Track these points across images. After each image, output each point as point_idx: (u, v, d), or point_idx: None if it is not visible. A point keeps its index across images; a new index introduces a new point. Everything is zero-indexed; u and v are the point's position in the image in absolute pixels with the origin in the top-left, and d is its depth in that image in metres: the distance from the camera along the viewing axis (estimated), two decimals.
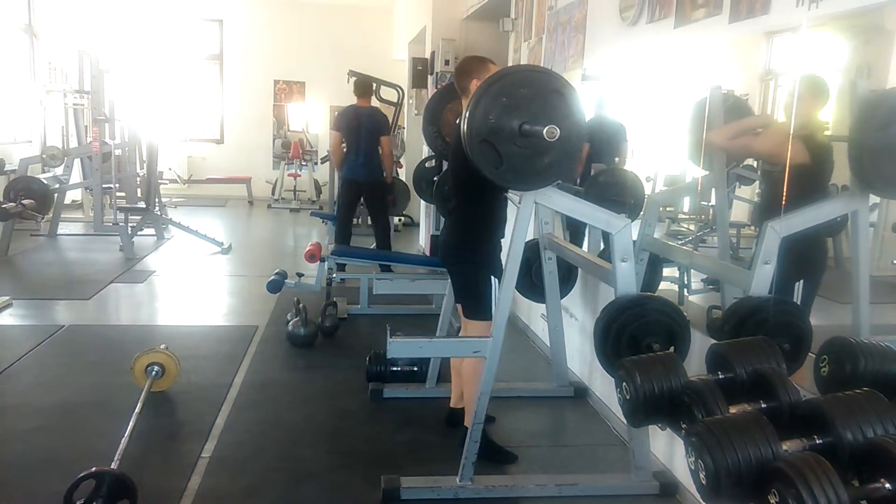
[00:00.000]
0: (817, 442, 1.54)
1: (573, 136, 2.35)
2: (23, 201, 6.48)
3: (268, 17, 12.16)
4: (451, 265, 3.10)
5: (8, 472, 2.84)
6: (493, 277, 2.85)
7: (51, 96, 9.40)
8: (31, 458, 2.95)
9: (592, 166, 4.02)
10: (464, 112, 2.37)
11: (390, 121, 6.90)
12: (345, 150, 6.16)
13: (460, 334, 3.15)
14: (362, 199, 6.41)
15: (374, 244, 6.38)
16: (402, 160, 9.66)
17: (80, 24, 10.50)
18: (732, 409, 1.74)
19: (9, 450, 3.02)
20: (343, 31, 12.10)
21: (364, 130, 6.11)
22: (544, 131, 2.21)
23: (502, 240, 3.06)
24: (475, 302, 2.96)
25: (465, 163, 2.48)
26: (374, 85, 7.11)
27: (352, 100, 6.34)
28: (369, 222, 7.03)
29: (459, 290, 3.09)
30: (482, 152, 2.33)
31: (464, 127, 2.34)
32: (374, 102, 6.99)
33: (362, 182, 6.19)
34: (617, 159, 4.15)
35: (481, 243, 2.96)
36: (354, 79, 6.61)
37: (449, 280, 3.25)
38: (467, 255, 2.98)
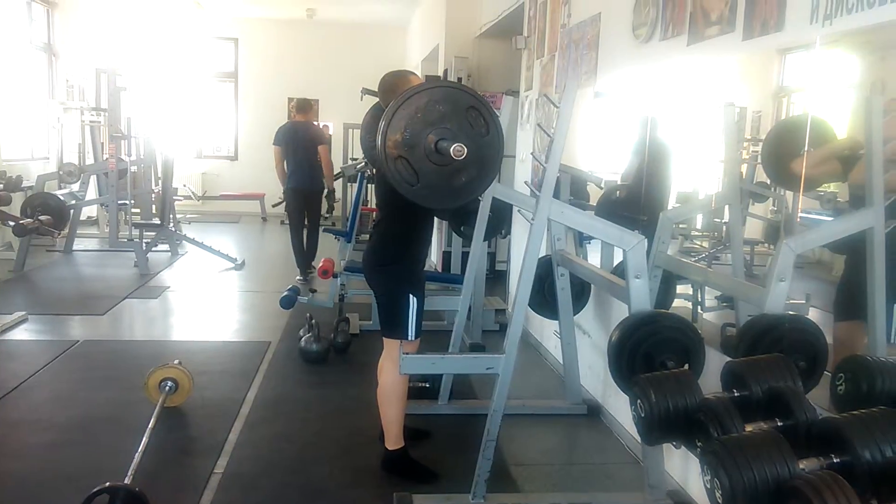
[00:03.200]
0: (835, 461, 1.52)
1: (489, 153, 2.32)
2: (39, 217, 6.53)
3: (282, 36, 12.29)
4: (371, 278, 3.08)
5: (22, 487, 2.85)
6: (413, 297, 2.86)
7: (68, 114, 9.52)
8: (46, 472, 2.96)
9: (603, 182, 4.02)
10: (380, 126, 2.32)
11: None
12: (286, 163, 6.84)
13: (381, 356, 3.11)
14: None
15: (304, 248, 7.04)
16: None
17: (98, 43, 10.65)
18: (748, 428, 1.73)
19: (23, 465, 3.04)
20: (356, 48, 12.21)
21: (301, 143, 6.81)
22: (451, 149, 2.16)
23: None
24: (392, 321, 2.93)
25: (391, 190, 2.46)
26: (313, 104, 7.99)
27: (363, 116, 6.44)
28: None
29: (379, 307, 3.07)
30: (397, 169, 2.29)
31: (379, 141, 2.29)
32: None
33: (304, 189, 6.90)
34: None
35: (402, 259, 2.94)
36: (295, 101, 7.37)
37: (461, 295, 3.25)
38: (388, 267, 2.97)
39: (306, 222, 7.12)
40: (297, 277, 6.97)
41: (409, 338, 2.90)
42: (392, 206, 2.91)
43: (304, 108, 7.17)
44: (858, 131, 2.40)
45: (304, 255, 7.08)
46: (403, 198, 2.37)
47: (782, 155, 2.81)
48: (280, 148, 6.86)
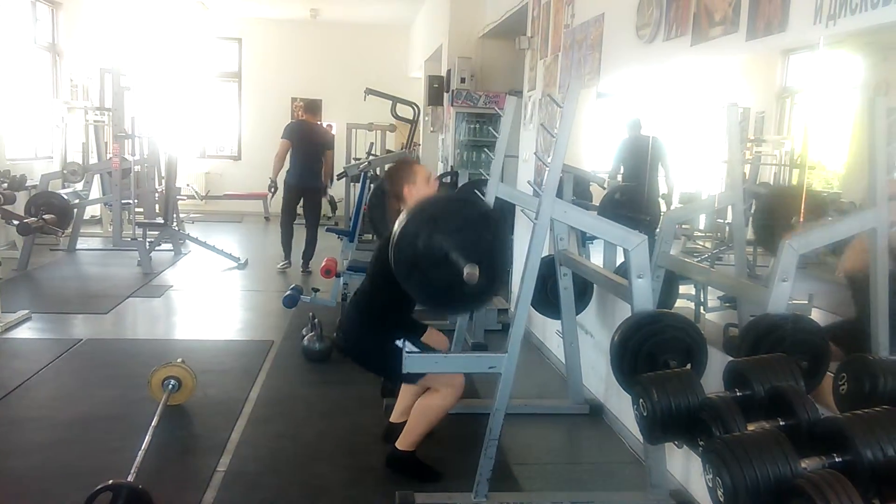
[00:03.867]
0: (836, 460, 1.52)
1: (498, 260, 2.45)
2: (43, 216, 6.56)
3: (285, 36, 12.31)
4: (356, 355, 3.14)
5: (26, 485, 2.86)
6: (402, 341, 2.85)
7: (72, 113, 9.55)
8: (49, 470, 2.97)
9: (609, 183, 4.02)
10: (393, 230, 2.43)
11: (407, 138, 7.56)
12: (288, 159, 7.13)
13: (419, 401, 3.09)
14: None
15: (305, 245, 7.36)
16: None
17: (103, 43, 10.68)
18: (750, 427, 1.73)
19: (27, 462, 3.05)
20: (360, 49, 12.22)
21: (312, 144, 7.15)
22: (464, 273, 2.27)
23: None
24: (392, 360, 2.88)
25: (387, 265, 2.50)
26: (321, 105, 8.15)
27: (367, 116, 6.62)
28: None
29: (385, 375, 3.11)
30: (410, 276, 2.42)
31: (392, 248, 2.41)
32: (390, 120, 7.64)
33: (304, 187, 7.20)
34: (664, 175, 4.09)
35: (386, 322, 2.98)
36: (303, 102, 7.94)
37: None
38: (371, 337, 3.01)
39: (304, 220, 7.42)
40: (281, 264, 7.45)
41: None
42: (384, 280, 2.79)
43: (313, 109, 7.45)
44: (862, 132, 2.40)
45: (292, 245, 7.47)
46: (397, 285, 2.48)
47: (775, 228, 2.83)
48: (287, 142, 7.11)
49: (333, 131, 11.87)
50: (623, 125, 4.21)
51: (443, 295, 2.48)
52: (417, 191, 3.04)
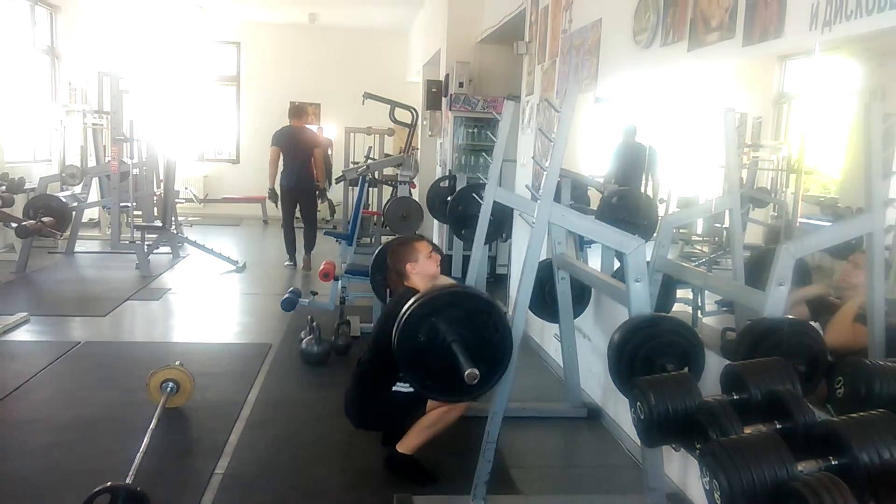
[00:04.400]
0: (833, 463, 1.53)
1: (498, 353, 2.48)
2: (42, 219, 6.56)
3: (284, 40, 12.33)
4: (366, 425, 3.22)
5: (24, 487, 2.86)
6: (393, 388, 2.97)
7: (71, 116, 9.55)
8: (47, 473, 2.98)
9: (607, 187, 4.05)
10: (398, 319, 2.47)
11: (406, 142, 8.20)
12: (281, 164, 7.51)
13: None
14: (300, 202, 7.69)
15: (305, 240, 7.75)
16: (415, 181, 9.72)
17: (101, 46, 10.69)
18: (747, 430, 1.74)
19: (25, 465, 3.05)
20: (358, 53, 12.24)
21: (299, 146, 7.49)
22: (465, 374, 2.30)
23: None
24: (411, 414, 3.03)
25: (388, 342, 2.53)
26: (307, 108, 8.78)
27: (365, 120, 6.68)
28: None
29: (394, 427, 3.15)
30: (411, 366, 2.46)
31: (395, 338, 2.45)
32: (388, 124, 7.83)
33: (297, 188, 7.54)
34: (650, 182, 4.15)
35: (391, 403, 3.05)
36: (294, 105, 8.02)
37: None
38: (375, 404, 3.08)
39: (299, 216, 7.77)
40: (286, 263, 7.85)
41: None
42: (384, 357, 2.80)
43: (297, 113, 7.82)
44: (858, 137, 2.42)
45: (296, 245, 7.80)
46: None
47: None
48: (277, 149, 7.55)
49: (332, 134, 11.96)
50: (618, 130, 4.25)
51: (443, 387, 2.51)
52: (420, 267, 3.13)
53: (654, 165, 4.11)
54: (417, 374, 2.48)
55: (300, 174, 7.54)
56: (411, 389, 2.86)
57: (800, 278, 2.43)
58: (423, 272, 3.12)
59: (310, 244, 7.83)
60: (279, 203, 7.75)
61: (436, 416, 2.99)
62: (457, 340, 2.38)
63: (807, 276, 2.61)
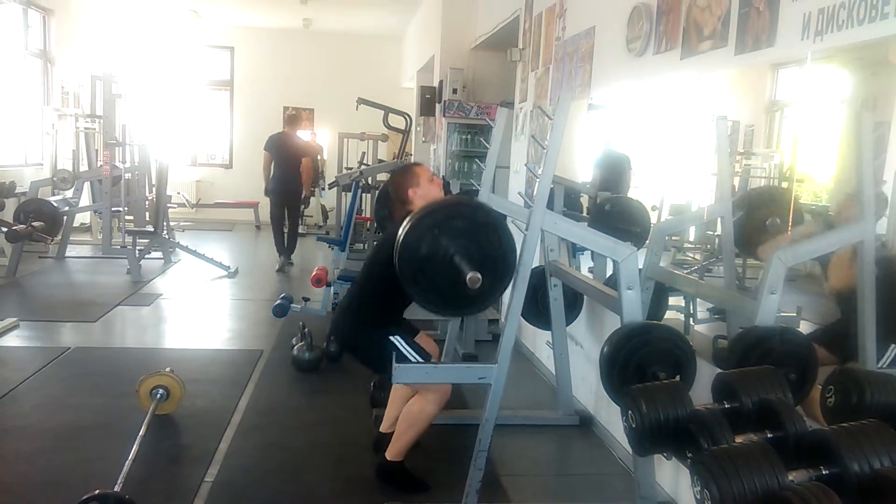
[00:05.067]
0: (823, 472, 1.53)
1: (501, 267, 2.46)
2: (33, 223, 6.53)
3: (277, 45, 12.33)
4: (350, 344, 3.19)
5: (11, 494, 2.83)
6: (395, 335, 2.94)
7: (63, 120, 9.51)
8: (35, 479, 2.95)
9: (598, 194, 4.06)
10: (399, 232, 2.45)
11: (399, 148, 8.49)
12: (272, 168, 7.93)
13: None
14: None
15: (286, 242, 8.10)
16: None
17: (94, 50, 10.66)
18: (738, 439, 1.74)
19: (12, 471, 3.02)
20: (352, 59, 12.26)
21: (289, 153, 7.86)
22: (467, 278, 2.29)
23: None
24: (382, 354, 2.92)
25: (389, 263, 2.52)
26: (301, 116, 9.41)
27: (359, 126, 6.72)
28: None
29: (375, 368, 3.16)
30: (414, 280, 2.43)
31: (396, 252, 2.43)
32: (382, 129, 7.98)
33: (285, 192, 7.92)
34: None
35: (383, 324, 3.00)
36: (288, 112, 8.75)
37: None
38: (363, 325, 3.04)
39: (287, 220, 8.15)
40: (278, 265, 8.08)
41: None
42: (382, 278, 2.84)
43: (290, 120, 8.31)
44: (849, 146, 2.43)
45: (284, 247, 8.13)
46: (395, 283, 2.48)
47: (749, 227, 2.86)
48: (269, 154, 7.95)
49: (326, 139, 11.97)
50: (602, 139, 4.34)
51: (445, 298, 2.48)
52: (423, 191, 3.08)
53: (628, 171, 4.21)
54: (420, 288, 2.44)
55: (288, 179, 7.90)
56: (408, 348, 2.87)
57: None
58: (426, 196, 3.05)
59: (291, 245, 8.17)
60: (270, 204, 8.16)
61: (414, 415, 2.96)
62: (458, 251, 2.36)
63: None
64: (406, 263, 2.42)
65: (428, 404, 2.94)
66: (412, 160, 9.74)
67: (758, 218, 2.80)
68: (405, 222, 2.46)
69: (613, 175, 4.20)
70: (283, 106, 12.42)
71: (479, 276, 2.28)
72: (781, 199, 2.68)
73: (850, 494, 1.46)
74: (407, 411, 2.99)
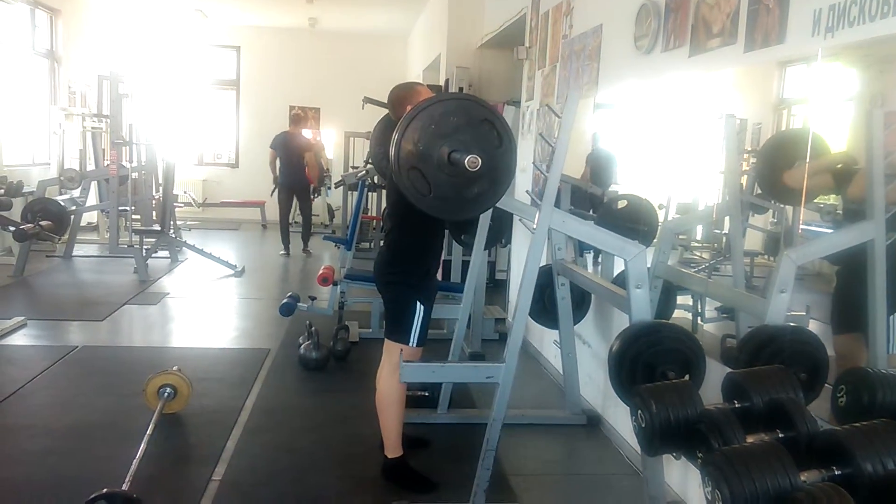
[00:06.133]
0: (836, 473, 1.52)
1: (501, 165, 2.34)
2: (40, 223, 6.54)
3: (284, 44, 12.33)
4: (381, 286, 3.11)
5: (19, 494, 2.84)
6: (421, 304, 2.91)
7: (70, 120, 9.54)
8: (42, 479, 2.95)
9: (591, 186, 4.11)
10: (394, 136, 2.32)
11: None
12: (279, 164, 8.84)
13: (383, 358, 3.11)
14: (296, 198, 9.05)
15: (302, 232, 9.00)
16: None
17: (101, 50, 10.68)
18: (749, 439, 1.72)
19: (20, 471, 3.03)
20: (358, 58, 12.25)
21: (293, 150, 8.69)
22: (466, 161, 2.17)
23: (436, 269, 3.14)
24: (397, 324, 2.99)
25: (399, 203, 2.49)
26: (304, 115, 10.15)
27: (364, 125, 6.85)
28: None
29: (386, 311, 3.11)
30: (410, 180, 2.30)
31: (392, 152, 2.30)
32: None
33: (292, 185, 8.80)
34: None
35: (413, 268, 2.98)
36: (292, 112, 9.55)
37: (461, 304, 3.26)
38: (398, 276, 3.00)
39: (298, 212, 9.20)
40: (280, 252, 8.91)
41: (411, 344, 2.92)
42: (403, 217, 2.91)
43: (294, 120, 9.20)
44: (858, 144, 2.41)
45: (289, 238, 8.94)
46: (414, 208, 2.38)
47: (775, 167, 2.82)
48: (274, 152, 8.89)
49: (332, 138, 12.03)
50: (592, 135, 4.40)
51: (446, 201, 2.36)
52: None
53: (613, 168, 4.35)
54: (417, 190, 2.32)
55: (293, 172, 8.72)
56: (418, 324, 2.91)
57: None
58: None
59: (306, 236, 9.06)
60: (278, 196, 8.95)
61: (381, 399, 3.00)
62: (456, 144, 2.25)
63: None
64: (402, 163, 2.29)
65: (386, 380, 2.98)
66: None
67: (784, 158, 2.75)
68: (400, 122, 2.32)
69: (601, 171, 4.36)
70: (289, 105, 12.44)
71: (478, 158, 2.15)
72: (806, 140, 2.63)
73: (864, 495, 1.45)
74: (377, 400, 3.03)
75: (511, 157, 2.37)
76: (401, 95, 2.99)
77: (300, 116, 9.41)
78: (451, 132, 2.26)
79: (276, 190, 9.00)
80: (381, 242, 3.26)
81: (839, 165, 2.65)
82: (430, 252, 3.03)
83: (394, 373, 2.86)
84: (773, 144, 2.92)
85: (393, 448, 3.00)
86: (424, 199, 2.33)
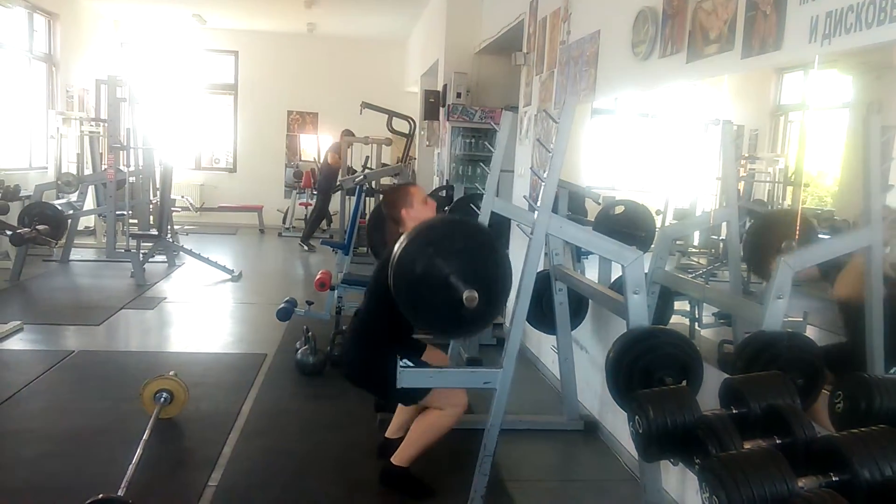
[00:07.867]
0: (834, 479, 1.52)
1: (495, 287, 2.43)
2: (37, 227, 6.53)
3: (282, 50, 12.34)
4: (358, 381, 3.13)
5: (15, 499, 2.82)
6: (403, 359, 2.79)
7: (67, 124, 9.53)
8: (38, 484, 2.94)
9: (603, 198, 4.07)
10: (393, 252, 2.42)
11: (403, 152, 8.26)
12: None
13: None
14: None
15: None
16: None
17: (99, 54, 10.69)
18: (747, 445, 1.72)
19: (16, 476, 3.01)
20: (356, 63, 12.27)
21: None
22: (464, 297, 2.27)
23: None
24: (411, 391, 2.80)
25: (387, 290, 2.49)
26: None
27: (364, 130, 6.76)
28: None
29: (389, 397, 3.09)
30: (408, 298, 2.41)
31: (391, 272, 2.40)
32: (386, 133, 8.25)
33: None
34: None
35: (389, 358, 2.75)
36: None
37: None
38: (372, 361, 2.96)
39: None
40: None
41: (433, 387, 2.88)
42: (383, 303, 2.77)
43: (333, 148, 9.89)
44: (855, 151, 2.42)
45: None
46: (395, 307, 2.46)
47: (763, 250, 2.83)
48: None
49: (321, 144, 12.18)
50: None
51: (442, 319, 2.46)
52: (416, 213, 3.05)
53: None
54: (416, 310, 2.42)
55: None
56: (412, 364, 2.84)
57: None
58: (418, 217, 2.99)
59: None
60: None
61: (427, 424, 2.94)
62: (454, 270, 2.33)
63: None
64: (400, 284, 2.39)
65: (444, 417, 2.93)
66: (416, 164, 9.75)
67: (773, 240, 2.76)
68: (400, 240, 2.43)
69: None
70: (287, 110, 12.46)
71: (476, 294, 2.26)
72: (795, 222, 2.65)
73: (861, 501, 1.45)
74: (423, 419, 2.97)
75: (505, 274, 2.47)
76: (393, 200, 3.12)
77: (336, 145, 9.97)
78: (448, 254, 2.38)
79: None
80: (348, 330, 3.19)
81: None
82: (407, 331, 3.02)
83: (453, 411, 2.91)
84: (761, 226, 2.94)
85: (406, 459, 2.98)
86: (422, 319, 2.49)
